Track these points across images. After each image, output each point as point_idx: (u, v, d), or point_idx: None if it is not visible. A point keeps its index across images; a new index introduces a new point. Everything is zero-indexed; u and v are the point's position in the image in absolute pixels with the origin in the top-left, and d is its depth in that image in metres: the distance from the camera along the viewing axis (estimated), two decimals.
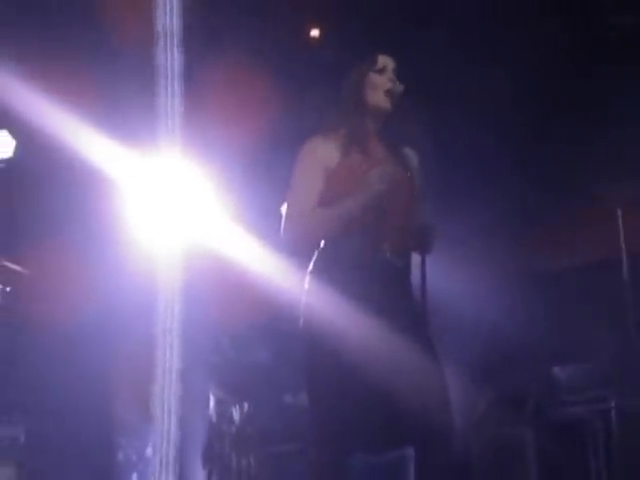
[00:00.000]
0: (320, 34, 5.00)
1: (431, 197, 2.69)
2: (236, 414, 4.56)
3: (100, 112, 4.34)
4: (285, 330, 4.37)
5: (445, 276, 3.61)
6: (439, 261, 2.74)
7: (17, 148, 4.93)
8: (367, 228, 2.56)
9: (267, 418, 4.54)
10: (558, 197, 4.88)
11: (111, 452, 4.58)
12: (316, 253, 2.62)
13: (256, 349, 4.92)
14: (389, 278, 2.57)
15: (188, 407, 4.10)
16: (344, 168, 2.59)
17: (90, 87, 4.25)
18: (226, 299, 4.48)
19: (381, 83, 2.65)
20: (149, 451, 4.42)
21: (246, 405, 4.58)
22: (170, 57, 3.89)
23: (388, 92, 2.65)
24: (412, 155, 2.69)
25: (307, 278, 2.61)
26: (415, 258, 2.67)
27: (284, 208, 2.64)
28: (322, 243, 2.61)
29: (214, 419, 4.57)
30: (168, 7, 3.75)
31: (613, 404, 3.99)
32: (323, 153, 2.61)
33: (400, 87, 2.65)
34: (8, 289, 4.64)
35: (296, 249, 2.65)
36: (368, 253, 2.56)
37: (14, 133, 4.89)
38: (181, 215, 4.28)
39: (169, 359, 4.01)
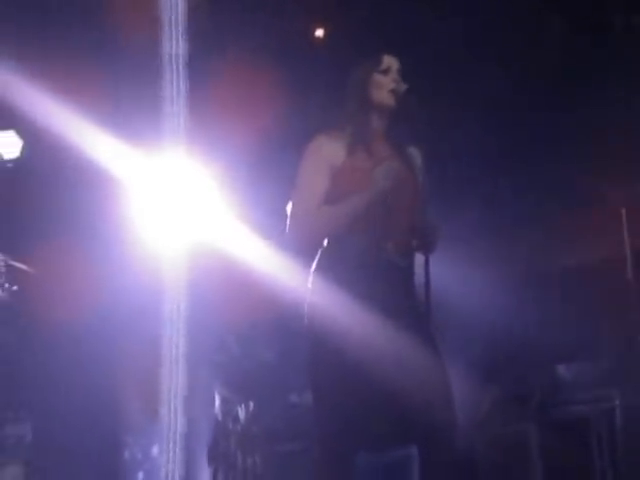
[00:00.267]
0: (325, 34, 5.01)
1: (435, 196, 2.69)
2: (241, 413, 4.57)
3: (105, 112, 4.35)
4: (290, 329, 4.38)
5: (449, 275, 3.62)
6: (443, 260, 2.74)
7: (24, 148, 4.96)
8: (371, 227, 2.56)
9: (272, 417, 4.54)
10: (562, 197, 4.88)
11: (117, 451, 4.60)
12: (319, 252, 2.62)
13: (261, 348, 4.92)
14: (393, 277, 2.58)
15: (194, 406, 4.11)
16: (349, 167, 2.60)
17: (95, 87, 4.26)
18: (231, 298, 4.48)
19: (385, 83, 2.66)
20: (155, 450, 4.44)
21: (251, 404, 4.58)
22: (175, 57, 3.90)
23: (392, 91, 2.65)
24: (416, 154, 2.70)
25: (311, 277, 2.62)
26: (419, 257, 2.67)
27: (289, 207, 2.65)
28: (325, 242, 2.62)
29: (219, 418, 4.58)
30: (172, 7, 3.77)
31: (617, 403, 3.99)
32: (328, 151, 2.61)
33: (404, 87, 2.66)
34: (15, 288, 4.66)
35: (301, 247, 2.65)
36: (372, 252, 2.56)
37: (21, 133, 4.92)
38: (186, 214, 4.30)
39: (175, 358, 4.03)
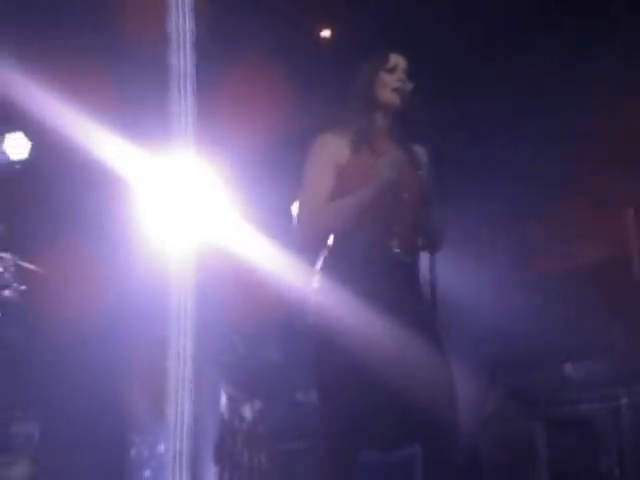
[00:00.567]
0: (331, 34, 5.02)
1: (441, 194, 2.69)
2: (248, 412, 4.57)
3: (113, 113, 4.38)
4: (296, 328, 4.39)
5: (455, 273, 3.62)
6: (449, 258, 2.75)
7: (32, 150, 4.99)
8: (375, 224, 2.57)
9: (278, 416, 4.55)
10: (570, 196, 4.87)
11: (124, 449, 4.62)
12: (324, 251, 2.63)
13: (267, 347, 4.93)
14: (398, 275, 2.58)
15: (200, 405, 4.12)
16: (353, 165, 2.61)
17: (103, 88, 4.28)
18: (238, 298, 4.49)
19: (391, 82, 2.66)
20: (161, 448, 4.45)
21: (258, 403, 4.59)
22: (182, 57, 3.92)
23: (397, 90, 2.66)
24: (422, 152, 2.70)
25: (316, 276, 2.62)
26: (424, 255, 2.68)
27: (295, 207, 2.66)
28: (331, 240, 2.63)
29: (226, 417, 4.59)
30: (180, 8, 3.78)
31: (624, 402, 3.98)
32: (334, 149, 2.62)
33: (410, 86, 2.66)
34: (23, 288, 4.69)
35: (310, 244, 2.65)
36: (376, 250, 2.57)
37: (29, 135, 4.95)
38: (193, 214, 4.31)
39: (182, 357, 4.04)
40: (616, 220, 4.69)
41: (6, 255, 4.65)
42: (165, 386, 4.02)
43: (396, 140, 2.69)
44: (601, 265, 4.77)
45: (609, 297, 4.57)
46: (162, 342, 4.12)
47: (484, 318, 4.45)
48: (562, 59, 4.50)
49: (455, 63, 4.71)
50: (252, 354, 4.89)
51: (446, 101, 4.19)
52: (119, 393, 4.63)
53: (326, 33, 5.01)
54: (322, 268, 2.62)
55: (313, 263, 2.65)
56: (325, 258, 2.62)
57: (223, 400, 4.62)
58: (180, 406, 3.98)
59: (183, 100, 4.06)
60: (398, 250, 2.58)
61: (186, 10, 3.91)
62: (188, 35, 3.95)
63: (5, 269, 4.63)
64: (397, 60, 2.69)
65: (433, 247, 2.65)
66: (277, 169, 4.53)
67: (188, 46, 3.94)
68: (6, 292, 4.61)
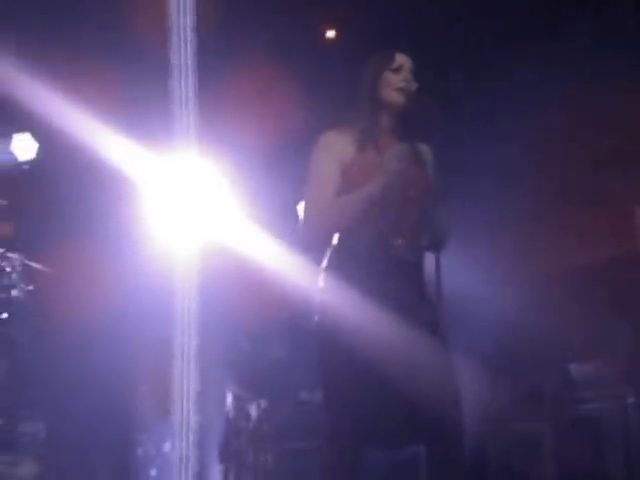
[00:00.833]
0: (336, 34, 5.02)
1: (447, 192, 2.69)
2: (253, 411, 4.58)
3: (118, 113, 4.39)
4: (301, 327, 4.39)
5: (461, 271, 3.61)
6: (455, 256, 2.74)
7: (39, 150, 5.01)
8: (381, 223, 2.57)
9: (284, 415, 4.55)
10: (577, 195, 4.87)
11: (130, 448, 4.63)
12: (330, 250, 2.63)
13: (273, 346, 4.93)
14: (402, 273, 2.58)
15: (206, 404, 4.13)
16: (358, 164, 2.60)
17: (108, 88, 4.30)
18: (242, 297, 4.50)
19: (396, 81, 2.66)
20: (167, 446, 4.46)
21: (263, 402, 4.59)
22: (185, 57, 3.93)
23: (402, 90, 2.65)
24: (427, 151, 2.70)
25: (321, 275, 2.62)
26: (430, 254, 2.67)
27: (301, 206, 2.65)
28: (335, 239, 2.62)
29: (231, 416, 4.59)
30: (182, 7, 3.79)
31: (631, 401, 3.97)
32: (338, 147, 2.62)
33: (414, 86, 2.66)
34: (30, 287, 4.70)
35: (317, 242, 2.64)
36: (381, 248, 2.57)
37: (36, 136, 4.97)
38: (198, 214, 4.32)
39: (187, 357, 4.04)
40: (623, 219, 4.68)
41: (13, 255, 4.67)
42: (170, 385, 4.03)
43: (401, 139, 2.69)
44: (607, 264, 4.76)
45: (615, 296, 4.55)
46: (167, 341, 4.13)
47: (490, 318, 4.44)
48: (568, 58, 4.49)
49: (461, 62, 4.71)
50: (257, 353, 4.89)
51: (449, 100, 4.18)
52: (125, 392, 4.64)
53: (331, 33, 5.01)
54: (327, 267, 2.62)
55: (318, 262, 2.64)
56: (330, 257, 2.62)
57: (228, 399, 4.62)
58: (186, 405, 3.99)
59: (187, 100, 4.07)
60: (403, 249, 2.58)
61: (190, 10, 3.92)
62: (192, 35, 3.96)
63: (12, 269, 4.65)
64: (402, 60, 2.69)
65: (438, 246, 2.65)
66: (282, 169, 4.54)
67: (192, 46, 3.95)
68: (13, 292, 4.63)
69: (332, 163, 2.60)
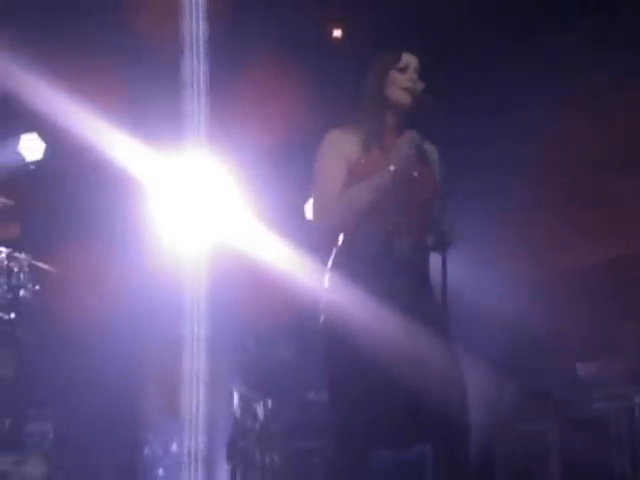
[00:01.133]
0: (343, 34, 5.02)
1: (453, 190, 2.68)
2: (260, 411, 4.58)
3: (125, 113, 4.40)
4: (308, 327, 4.40)
5: (467, 271, 3.61)
6: (461, 255, 2.74)
7: (46, 151, 5.02)
8: (386, 222, 2.57)
9: (290, 415, 4.55)
10: (584, 194, 4.86)
11: (137, 447, 4.65)
12: (335, 249, 2.63)
13: (280, 346, 4.94)
14: (408, 274, 2.58)
15: (213, 404, 4.14)
16: (363, 162, 2.60)
17: (115, 88, 4.31)
18: (250, 297, 4.51)
19: (402, 81, 2.66)
20: (175, 446, 4.47)
21: (270, 402, 4.60)
22: (195, 57, 3.93)
23: (408, 89, 2.65)
24: (433, 150, 2.70)
25: (327, 275, 2.62)
26: (435, 254, 2.67)
27: (308, 206, 2.65)
28: (341, 239, 2.62)
29: (238, 415, 4.60)
30: (192, 7, 3.80)
31: (637, 400, 3.95)
32: (344, 145, 2.62)
33: (421, 86, 2.66)
34: (37, 287, 4.72)
35: (326, 240, 2.64)
36: (387, 248, 2.57)
37: (43, 136, 4.98)
38: (205, 214, 4.33)
39: (195, 356, 4.06)
40: (629, 218, 4.66)
41: (20, 255, 4.68)
42: (178, 385, 4.04)
43: None
44: (614, 263, 4.75)
45: (622, 296, 4.54)
46: (175, 341, 4.14)
47: (495, 318, 4.43)
48: (573, 58, 4.48)
49: (467, 62, 4.70)
50: (264, 353, 4.90)
51: (457, 100, 4.18)
52: (132, 392, 4.66)
53: (338, 33, 5.01)
54: (333, 267, 2.62)
55: (325, 262, 2.64)
56: (336, 257, 2.62)
57: (235, 399, 4.63)
58: (193, 405, 4.00)
59: (196, 100, 4.08)
60: (408, 248, 2.58)
61: (198, 10, 3.93)
62: (200, 35, 3.96)
63: (19, 269, 4.66)
64: (409, 59, 2.69)
65: (444, 246, 2.64)
66: (289, 168, 4.53)
67: (201, 46, 3.95)
68: (21, 292, 4.64)
69: (338, 161, 2.60)
